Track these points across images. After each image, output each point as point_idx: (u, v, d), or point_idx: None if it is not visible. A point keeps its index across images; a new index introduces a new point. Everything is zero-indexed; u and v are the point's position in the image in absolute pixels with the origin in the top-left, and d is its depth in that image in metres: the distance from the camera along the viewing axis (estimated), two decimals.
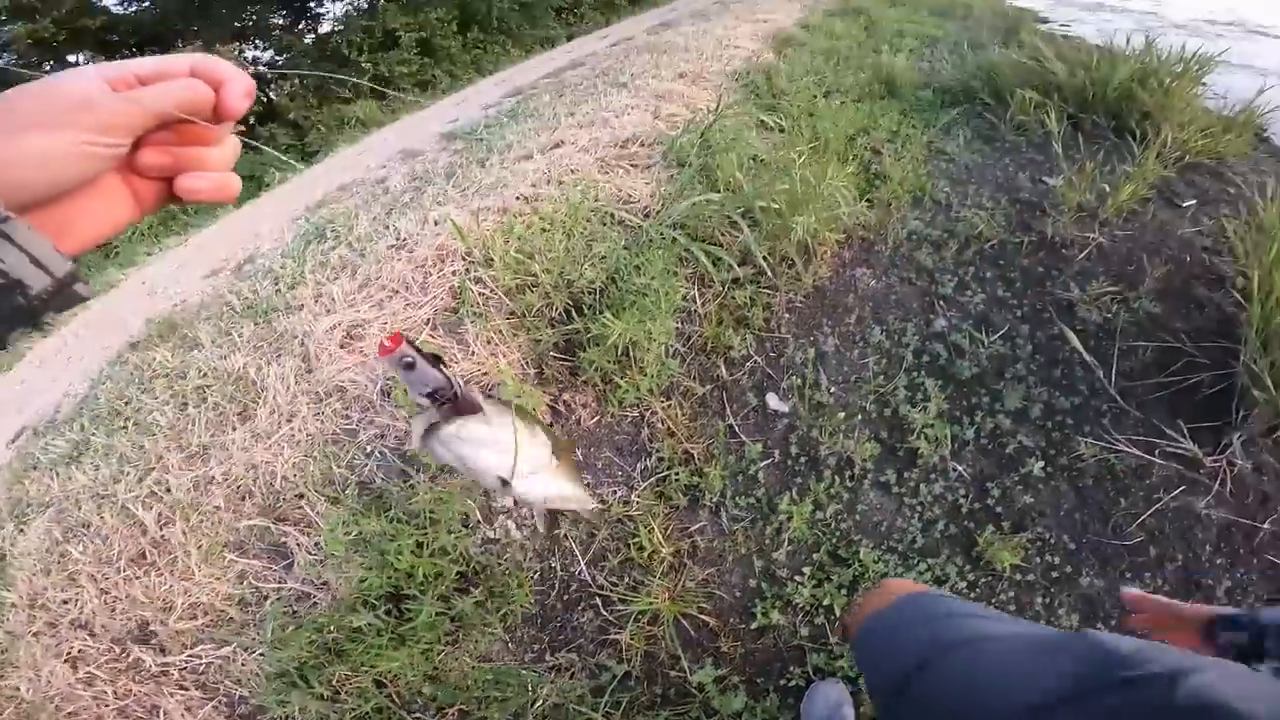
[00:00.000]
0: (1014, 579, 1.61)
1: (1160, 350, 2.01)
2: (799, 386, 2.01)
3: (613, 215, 2.32)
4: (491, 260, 2.18)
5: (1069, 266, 2.45)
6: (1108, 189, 2.84)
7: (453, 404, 0.48)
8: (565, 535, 1.72)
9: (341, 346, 2.14)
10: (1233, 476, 1.69)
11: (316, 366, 2.06)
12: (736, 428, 1.94)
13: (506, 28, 12.03)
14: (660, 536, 1.67)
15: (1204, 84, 4.59)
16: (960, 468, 1.83)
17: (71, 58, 9.55)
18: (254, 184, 7.77)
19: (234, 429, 1.97)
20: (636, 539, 1.67)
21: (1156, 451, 1.76)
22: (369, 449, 1.80)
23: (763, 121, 3.28)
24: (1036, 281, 2.39)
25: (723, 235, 2.34)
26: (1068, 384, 1.98)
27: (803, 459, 1.86)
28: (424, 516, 1.61)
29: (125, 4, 10.47)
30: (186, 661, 1.54)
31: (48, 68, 9.27)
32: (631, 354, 1.94)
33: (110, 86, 0.33)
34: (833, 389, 2.01)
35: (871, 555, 1.63)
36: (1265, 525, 1.62)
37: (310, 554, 1.63)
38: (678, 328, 2.13)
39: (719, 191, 2.39)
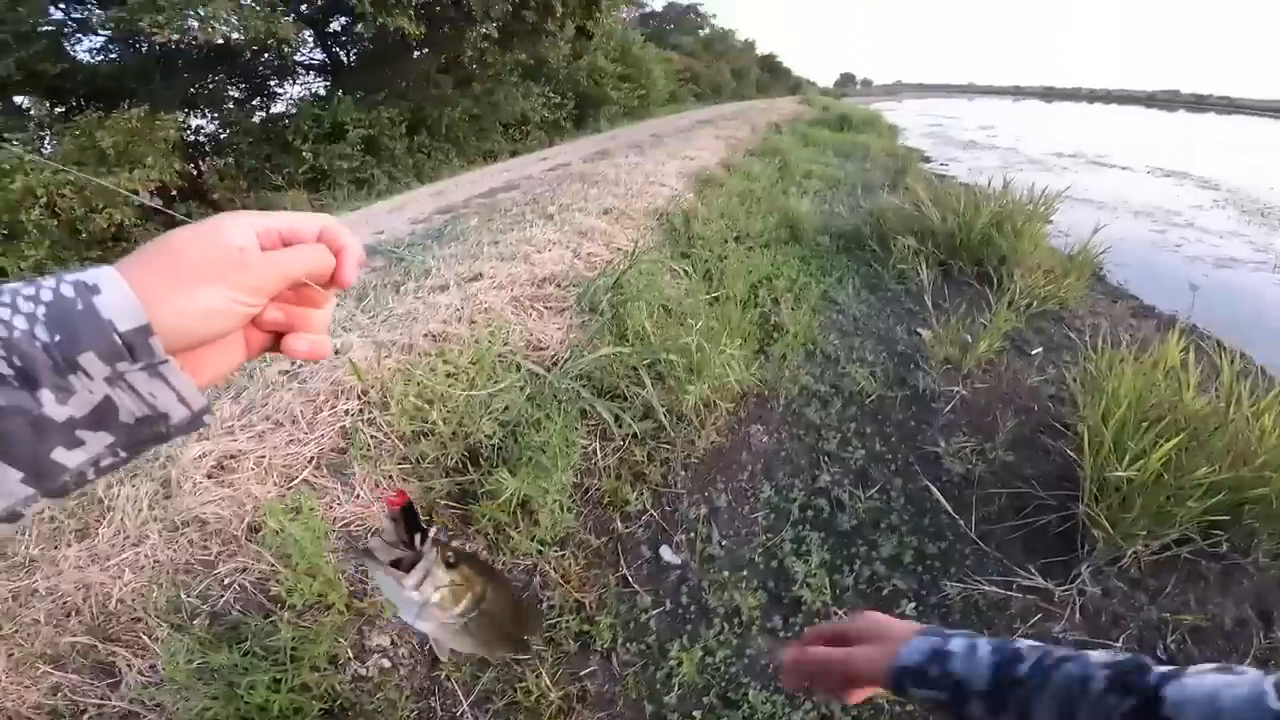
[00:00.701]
0: (893, 710, 1.68)
1: (1013, 495, 2.26)
2: (692, 540, 2.11)
3: (518, 365, 2.40)
4: (388, 404, 2.18)
5: (936, 419, 2.74)
6: (969, 339, 3.23)
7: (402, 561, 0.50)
8: (447, 676, 1.68)
9: (209, 476, 2.01)
10: (1084, 603, 1.88)
11: (177, 494, 1.95)
12: (630, 578, 1.99)
13: (454, 137, 12.41)
14: (549, 681, 1.66)
15: (1050, 221, 5.39)
16: (841, 611, 1.94)
17: (18, 99, 9.18)
18: None
19: (69, 545, 1.83)
20: (524, 683, 1.65)
21: (1014, 586, 1.94)
22: (227, 581, 1.73)
23: (676, 268, 3.53)
24: (909, 436, 2.65)
25: (627, 388, 2.49)
26: (935, 531, 2.17)
27: (693, 608, 1.93)
28: (284, 653, 1.54)
29: (96, 54, 10.26)
30: None
31: None
32: (526, 506, 1.99)
33: (259, 241, 0.36)
34: (724, 542, 2.12)
35: (760, 696, 1.69)
36: (1119, 641, 1.80)
37: (143, 675, 1.52)
38: (576, 481, 2.21)
39: (628, 340, 2.55)
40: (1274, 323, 4.60)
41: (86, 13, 9.71)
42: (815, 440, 2.61)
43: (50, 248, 7.26)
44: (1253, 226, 7.45)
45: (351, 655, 1.64)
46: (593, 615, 1.87)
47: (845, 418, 2.75)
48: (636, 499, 2.20)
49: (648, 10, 30.05)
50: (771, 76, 47.73)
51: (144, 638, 1.58)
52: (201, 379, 0.35)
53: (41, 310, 0.29)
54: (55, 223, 7.33)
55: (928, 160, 12.05)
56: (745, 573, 2.02)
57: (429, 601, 0.48)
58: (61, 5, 9.59)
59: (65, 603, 1.68)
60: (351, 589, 1.74)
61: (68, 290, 0.29)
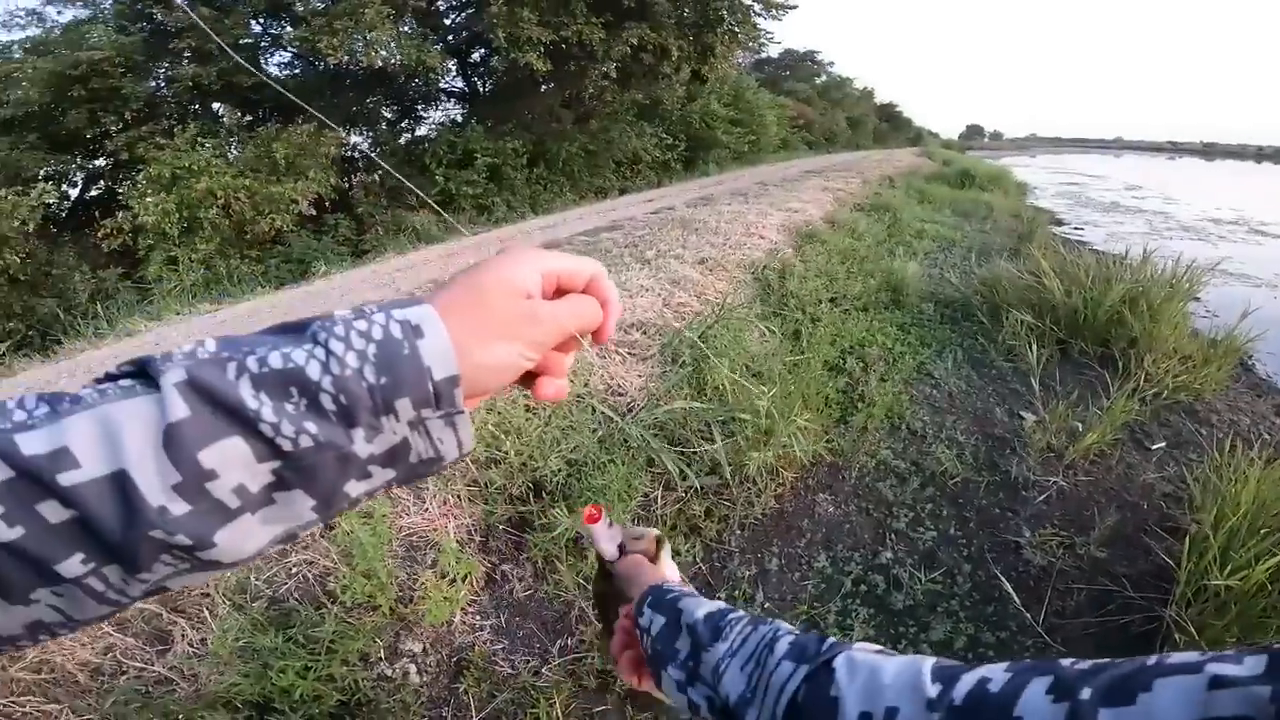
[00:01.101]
0: None
1: (1096, 592, 2.08)
2: (735, 599, 2.08)
3: (594, 408, 2.49)
4: None
5: (1025, 509, 2.54)
6: (1079, 428, 2.96)
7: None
8: (465, 690, 1.72)
9: None
10: None
11: None
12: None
13: (569, 170, 13.10)
14: (560, 712, 1.67)
15: (1197, 299, 4.78)
16: None
17: (216, 105, 10.60)
18: (300, 268, 8.35)
19: None
20: (535, 709, 1.67)
21: None
22: (294, 570, 1.85)
23: (762, 327, 3.51)
24: (990, 522, 2.47)
25: (697, 441, 2.51)
26: (996, 620, 2.03)
27: None
28: (322, 644, 1.64)
29: (284, 69, 11.96)
30: (4, 706, 1.48)
31: (194, 107, 10.34)
32: (578, 543, 2.05)
33: (542, 284, 0.37)
34: (767, 604, 2.08)
35: None
36: None
37: (192, 646, 1.63)
38: (632, 525, 2.24)
39: (705, 395, 2.58)
40: None
41: (280, 29, 11.22)
42: (884, 516, 2.50)
43: (220, 243, 8.34)
44: None
45: (383, 656, 1.74)
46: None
47: (922, 497, 2.61)
48: (688, 550, 2.20)
49: (764, 56, 30.34)
50: (890, 126, 46.52)
51: (205, 612, 1.72)
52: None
53: (372, 350, 0.30)
54: (228, 222, 8.41)
55: (1060, 223, 11.17)
56: None
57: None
58: (261, 20, 11.17)
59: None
60: (400, 594, 1.85)
61: (395, 331, 0.31)
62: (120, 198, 9.05)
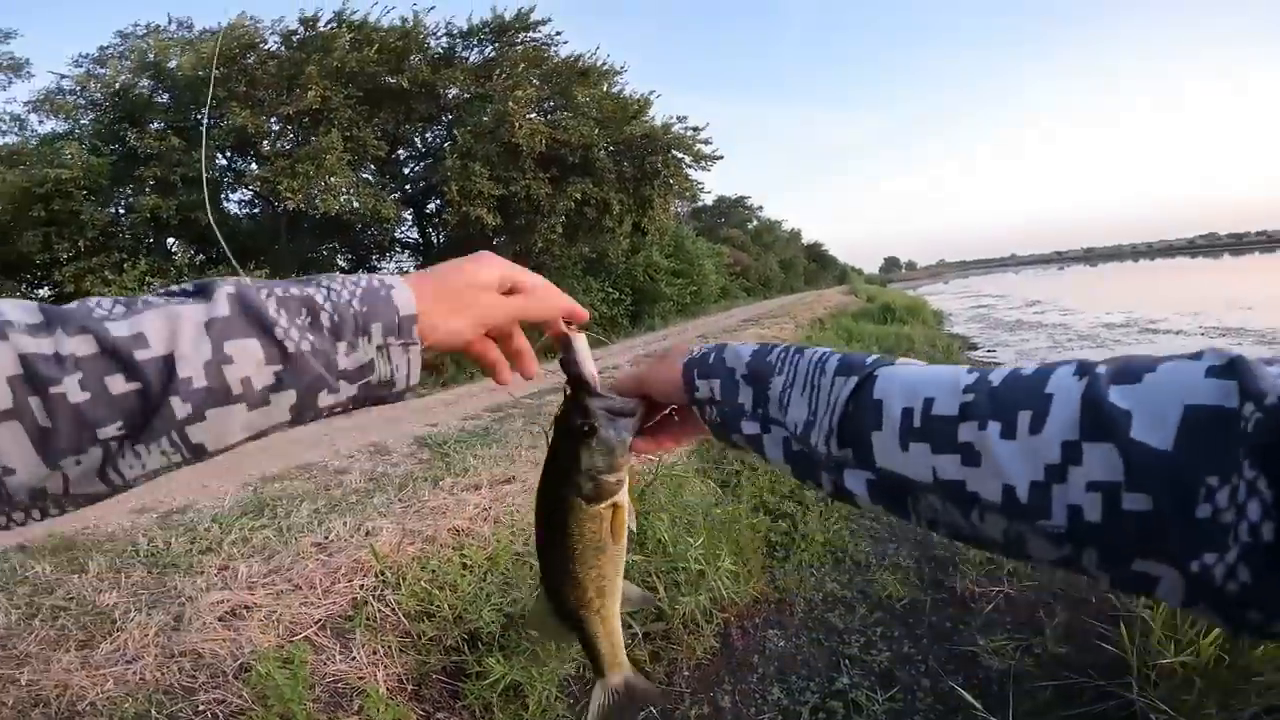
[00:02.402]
0: None
1: (1064, 687, 2.09)
2: None
3: (531, 565, 2.48)
4: (400, 584, 2.31)
5: (975, 619, 2.58)
6: None
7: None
8: None
9: (220, 619, 2.15)
10: None
11: (184, 629, 2.08)
12: None
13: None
14: None
15: None
16: None
17: (170, 240, 10.31)
18: None
19: (67, 650, 1.94)
20: None
21: None
22: (202, 708, 1.76)
23: (701, 480, 3.66)
24: (943, 636, 2.49)
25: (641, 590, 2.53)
26: None
27: None
28: None
29: (243, 207, 11.87)
30: None
31: (149, 241, 9.86)
32: (517, 691, 1.99)
33: (498, 285, 0.49)
34: None
35: None
36: None
37: None
38: (576, 673, 2.17)
39: (647, 549, 2.63)
40: None
41: (245, 166, 11.42)
42: (837, 644, 2.50)
43: None
44: None
45: None
46: None
47: (871, 621, 2.64)
48: None
49: (700, 204, 33.18)
50: (819, 266, 50.45)
51: None
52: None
53: (359, 290, 0.42)
54: None
55: (974, 348, 12.13)
56: None
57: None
58: (228, 154, 11.36)
59: (38, 694, 1.75)
60: None
61: (375, 283, 0.43)
62: None
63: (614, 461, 0.54)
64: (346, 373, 0.41)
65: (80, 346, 0.33)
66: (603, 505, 0.54)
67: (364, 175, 11.05)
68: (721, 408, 0.51)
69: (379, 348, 0.42)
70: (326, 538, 2.80)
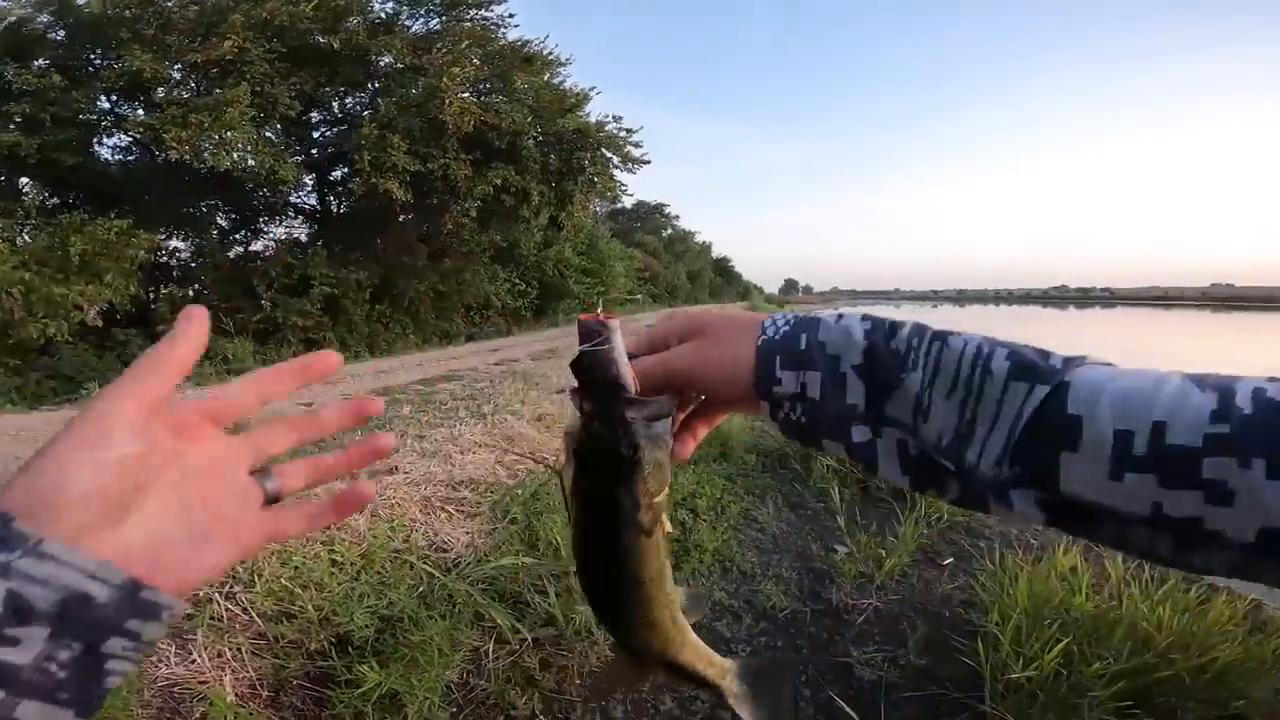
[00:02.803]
0: None
1: (926, 698, 2.24)
2: None
3: (412, 564, 2.34)
4: (255, 581, 2.09)
5: (849, 631, 2.72)
6: (884, 554, 3.31)
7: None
8: None
9: None
10: None
11: None
12: None
13: (415, 311, 12.68)
14: None
15: None
16: None
17: (23, 180, 9.12)
18: (68, 387, 7.09)
19: None
20: None
21: None
22: None
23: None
24: (821, 647, 2.60)
25: (531, 595, 2.44)
26: None
27: None
28: None
29: (116, 153, 10.60)
30: None
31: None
32: (395, 700, 1.85)
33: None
34: None
35: None
36: None
37: None
38: (460, 680, 2.06)
39: (538, 550, 2.53)
40: None
41: (130, 111, 10.19)
42: (724, 653, 2.47)
43: None
44: None
45: None
46: None
47: (756, 631, 2.71)
48: (525, 704, 2.04)
49: (619, 206, 33.35)
50: (724, 280, 52.46)
51: None
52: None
53: None
54: None
55: None
56: None
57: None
58: (113, 98, 10.12)
59: None
60: None
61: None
62: None
63: (664, 479, 0.43)
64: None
65: None
66: (660, 533, 0.44)
67: (267, 134, 10.12)
68: (819, 409, 0.41)
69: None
70: None
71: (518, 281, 15.88)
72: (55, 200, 9.49)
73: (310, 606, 2.04)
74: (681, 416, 0.47)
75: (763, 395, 0.42)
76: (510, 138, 11.56)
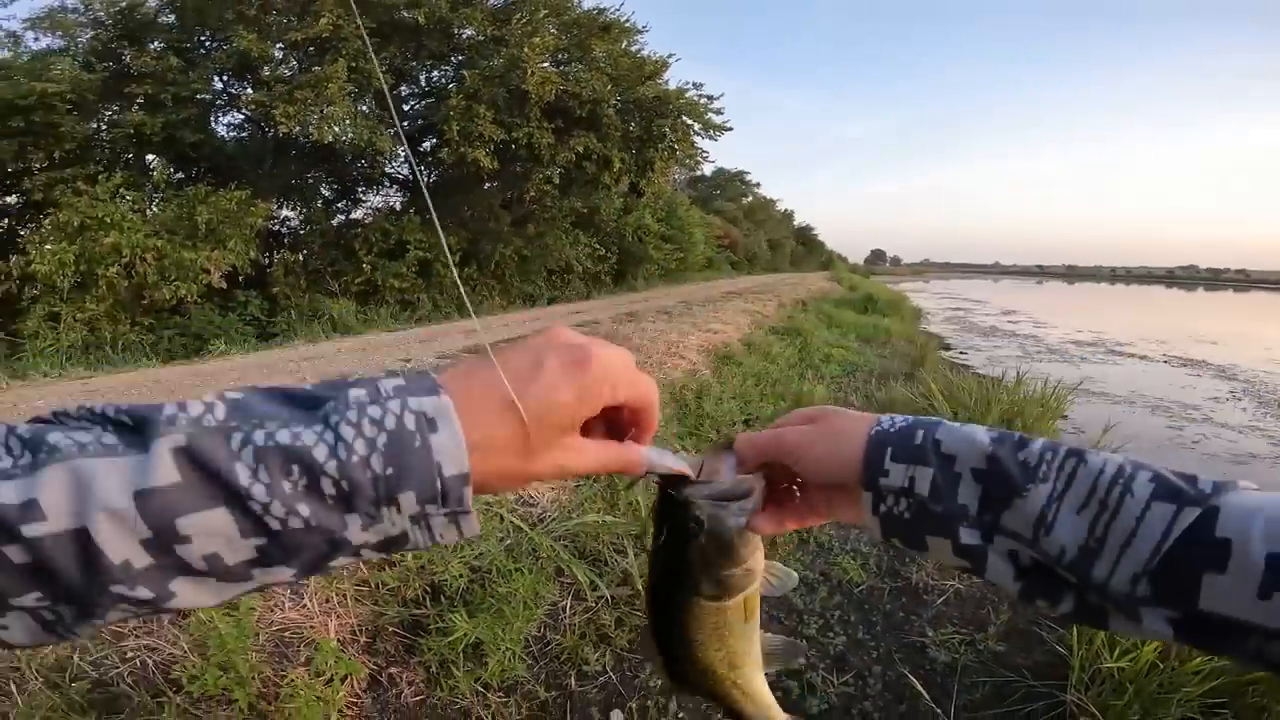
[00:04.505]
0: None
1: (1000, 684, 2.19)
2: (646, 709, 2.01)
3: (502, 517, 2.45)
4: None
5: (926, 610, 2.66)
6: None
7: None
8: None
9: None
10: None
11: None
12: None
13: (501, 274, 13.10)
14: None
15: (1065, 417, 5.32)
16: None
17: (150, 157, 10.09)
18: (196, 344, 7.77)
19: None
20: None
21: None
22: (130, 655, 1.64)
23: (677, 447, 3.63)
24: (896, 626, 2.56)
25: (609, 553, 2.52)
26: (910, 718, 2.09)
27: None
28: None
29: (231, 130, 11.57)
30: None
31: (128, 156, 9.68)
32: (478, 649, 1.96)
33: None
34: (681, 714, 2.02)
35: None
36: None
37: None
38: (538, 634, 2.17)
39: (619, 510, 2.60)
40: None
41: (240, 89, 11.08)
42: (795, 624, 2.55)
43: (112, 305, 7.68)
44: (1270, 419, 7.37)
45: None
46: None
47: (830, 605, 2.69)
48: (597, 659, 2.13)
49: (698, 174, 32.78)
50: (805, 250, 50.70)
51: (12, 685, 1.52)
52: None
53: (383, 440, 0.30)
54: (127, 283, 7.75)
55: (947, 348, 12.30)
56: None
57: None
58: (225, 78, 11.01)
59: None
60: (263, 690, 1.67)
61: (409, 422, 0.30)
62: (20, 241, 8.32)
63: (735, 554, 0.46)
64: (367, 544, 0.31)
65: None
66: (732, 601, 0.48)
67: (362, 108, 10.61)
68: (924, 505, 0.41)
69: (413, 518, 0.31)
70: None
71: (598, 247, 16.02)
72: (180, 175, 10.35)
73: (410, 556, 2.15)
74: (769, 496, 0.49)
75: (868, 485, 0.43)
76: (591, 106, 11.57)
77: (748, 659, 0.53)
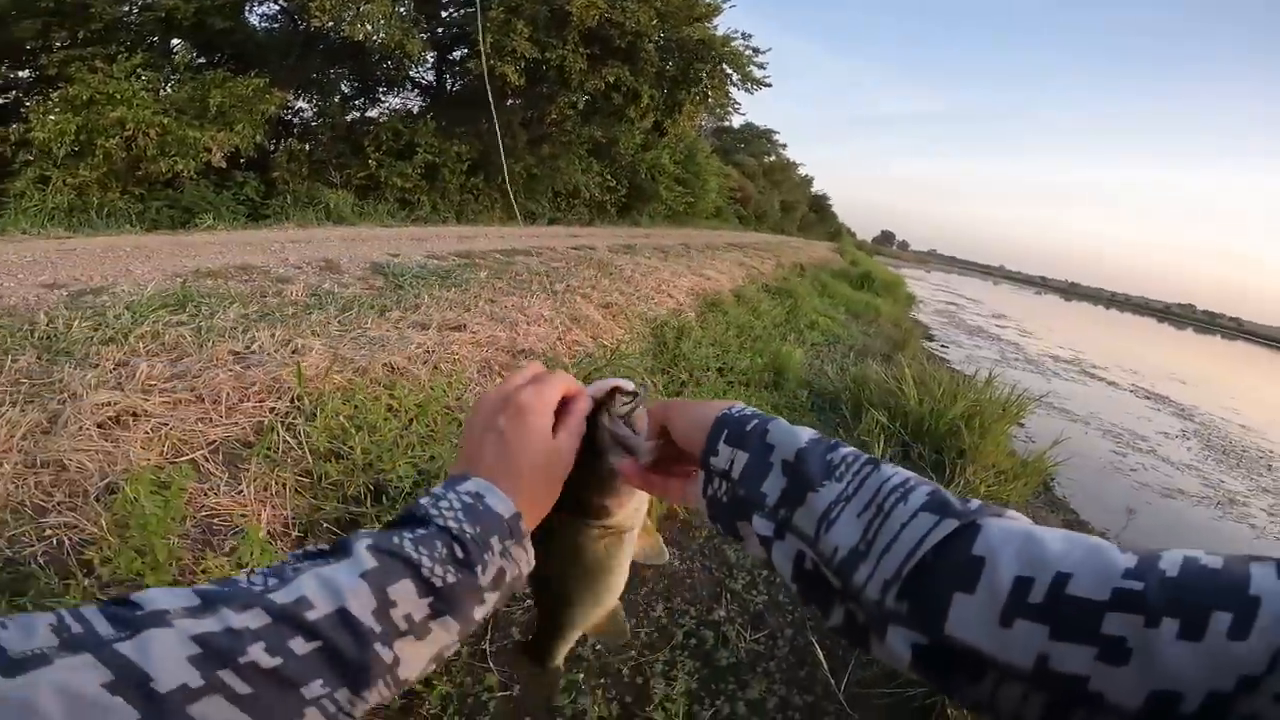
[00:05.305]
0: None
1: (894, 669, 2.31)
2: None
3: (459, 422, 2.44)
4: (316, 415, 2.13)
5: None
6: None
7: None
8: None
9: (99, 426, 1.87)
10: None
11: (58, 432, 1.81)
12: (488, 653, 1.97)
13: (505, 189, 12.95)
14: None
15: (1021, 424, 5.49)
16: None
17: (175, 41, 9.77)
18: (185, 217, 7.69)
19: None
20: None
21: None
22: (48, 534, 1.57)
23: (647, 380, 3.66)
24: None
25: None
26: (807, 684, 2.23)
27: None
28: None
29: (262, 21, 11.14)
30: None
31: (153, 39, 9.30)
32: None
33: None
34: (598, 647, 2.13)
35: None
36: None
37: None
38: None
39: None
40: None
41: None
42: (724, 576, 2.68)
43: (105, 174, 7.51)
44: (1210, 462, 7.71)
45: None
46: (431, 679, 1.81)
47: (759, 563, 2.80)
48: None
49: (726, 124, 31.77)
50: (817, 217, 49.86)
51: None
52: None
53: (462, 513, 0.44)
54: (125, 155, 7.58)
55: (931, 339, 12.44)
56: (607, 680, 2.03)
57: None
58: None
59: None
60: (178, 579, 1.62)
61: (468, 499, 0.45)
62: (24, 111, 8.03)
63: (604, 486, 0.52)
64: (486, 585, 0.43)
65: (250, 620, 0.34)
66: (589, 523, 0.53)
67: (400, 9, 10.14)
68: (734, 488, 0.44)
69: (501, 553, 0.44)
70: (248, 348, 2.56)
71: (609, 178, 15.76)
72: (202, 60, 9.99)
73: (359, 449, 2.11)
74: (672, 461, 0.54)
75: (703, 464, 0.47)
76: (632, 38, 11.13)
77: (576, 595, 0.58)
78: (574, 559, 0.54)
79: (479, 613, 0.43)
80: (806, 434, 0.44)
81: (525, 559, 0.45)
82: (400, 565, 0.39)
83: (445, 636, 0.41)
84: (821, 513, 0.39)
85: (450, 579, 0.41)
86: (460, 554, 0.41)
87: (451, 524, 0.42)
